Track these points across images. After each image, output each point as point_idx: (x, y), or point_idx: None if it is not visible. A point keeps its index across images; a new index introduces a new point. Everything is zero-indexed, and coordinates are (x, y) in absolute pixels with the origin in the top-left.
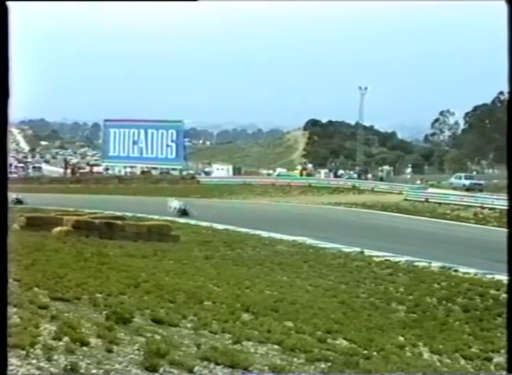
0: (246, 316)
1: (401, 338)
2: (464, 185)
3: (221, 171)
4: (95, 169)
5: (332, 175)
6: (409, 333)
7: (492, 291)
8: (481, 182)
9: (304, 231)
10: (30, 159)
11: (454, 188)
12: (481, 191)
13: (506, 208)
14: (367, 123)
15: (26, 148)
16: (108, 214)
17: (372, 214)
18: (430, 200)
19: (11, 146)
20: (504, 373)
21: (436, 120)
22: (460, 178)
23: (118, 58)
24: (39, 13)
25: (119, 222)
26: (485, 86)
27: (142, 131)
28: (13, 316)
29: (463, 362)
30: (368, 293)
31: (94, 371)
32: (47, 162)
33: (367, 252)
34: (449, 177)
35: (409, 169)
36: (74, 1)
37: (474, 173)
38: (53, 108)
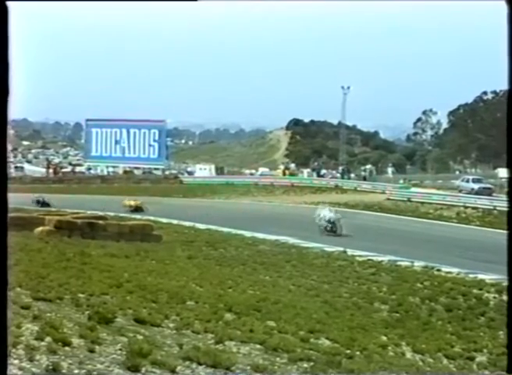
0: (228, 316)
1: (384, 338)
2: (473, 189)
3: (203, 171)
4: (77, 168)
5: (315, 174)
6: (392, 333)
7: (475, 291)
8: (490, 186)
9: (287, 231)
10: (12, 159)
11: (460, 191)
12: (489, 195)
13: (487, 207)
14: (349, 123)
15: (8, 147)
16: (90, 214)
17: (355, 213)
18: (413, 199)
19: None
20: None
21: (419, 120)
22: (467, 181)
23: (99, 58)
24: (23, 13)
25: (101, 222)
26: (467, 85)
27: (124, 131)
28: None
29: (445, 361)
30: (351, 292)
31: (76, 371)
32: (29, 162)
33: (349, 252)
34: (432, 177)
35: (390, 169)
36: (62, 1)
37: (457, 172)
38: (35, 107)
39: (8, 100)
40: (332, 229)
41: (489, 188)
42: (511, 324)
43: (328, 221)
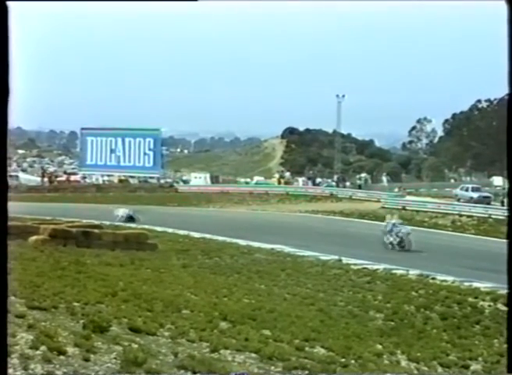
0: (223, 325)
1: (379, 346)
2: (472, 198)
3: (198, 179)
4: (72, 177)
5: (310, 183)
6: (387, 341)
7: (470, 299)
8: (490, 195)
9: (282, 239)
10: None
11: (459, 200)
12: (488, 203)
13: (483, 215)
14: (344, 131)
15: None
16: (85, 223)
17: (350, 222)
18: (407, 208)
19: None
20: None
21: (413, 128)
22: (466, 190)
23: (94, 67)
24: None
25: (96, 230)
26: (462, 93)
27: (119, 139)
28: None
29: (440, 369)
30: (346, 301)
31: None
32: (24, 170)
33: (344, 260)
34: (427, 185)
35: (385, 178)
36: (60, 1)
37: (452, 180)
38: (30, 116)
39: (8, 99)
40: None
41: (489, 197)
42: (511, 325)
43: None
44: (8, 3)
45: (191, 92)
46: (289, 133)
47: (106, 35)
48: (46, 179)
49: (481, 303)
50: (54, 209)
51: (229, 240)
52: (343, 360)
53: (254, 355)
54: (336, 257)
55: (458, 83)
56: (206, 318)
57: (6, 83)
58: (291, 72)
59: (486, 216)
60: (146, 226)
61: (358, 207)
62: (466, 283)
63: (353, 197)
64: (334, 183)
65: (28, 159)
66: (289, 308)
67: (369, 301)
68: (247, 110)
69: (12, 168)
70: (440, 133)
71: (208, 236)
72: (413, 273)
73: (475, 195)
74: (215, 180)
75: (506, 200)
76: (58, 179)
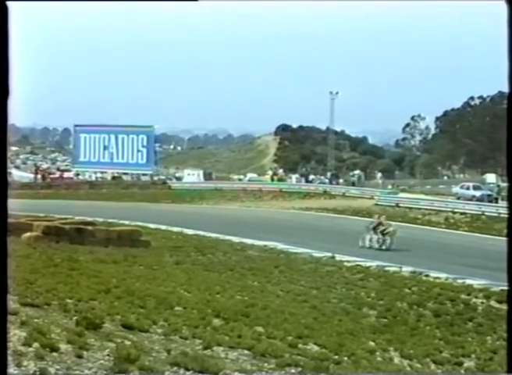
0: (216, 322)
1: (372, 343)
2: (475, 196)
3: (192, 176)
4: (66, 174)
5: (303, 180)
6: (380, 338)
7: (463, 296)
8: (492, 193)
9: (275, 236)
10: None
11: (459, 198)
12: (491, 201)
13: (476, 212)
14: (338, 128)
15: None
16: (78, 220)
17: (343, 219)
18: (401, 205)
19: None
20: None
21: (407, 125)
22: (467, 188)
23: (88, 63)
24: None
25: (89, 227)
26: (455, 90)
27: (112, 136)
28: None
29: (433, 366)
30: (339, 298)
31: None
32: (17, 167)
33: (338, 257)
34: (421, 182)
35: (378, 175)
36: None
37: (445, 177)
38: (23, 113)
39: (8, 99)
40: None
41: (491, 195)
42: (511, 325)
43: None
44: (8, 3)
45: (185, 89)
46: (283, 130)
47: (102, 33)
48: (39, 176)
49: (474, 300)
50: (47, 206)
51: (222, 237)
52: (336, 357)
53: (247, 351)
54: (330, 254)
55: (452, 80)
56: (199, 315)
57: (6, 83)
58: (285, 69)
59: (479, 213)
60: (139, 223)
61: (352, 204)
62: (459, 281)
63: (347, 194)
64: (327, 180)
65: (21, 156)
66: (282, 305)
67: (362, 298)
68: (240, 107)
69: None
70: (433, 130)
71: (201, 233)
72: (406, 269)
73: (478, 193)
74: (208, 177)
75: (499, 197)
76: (52, 176)
